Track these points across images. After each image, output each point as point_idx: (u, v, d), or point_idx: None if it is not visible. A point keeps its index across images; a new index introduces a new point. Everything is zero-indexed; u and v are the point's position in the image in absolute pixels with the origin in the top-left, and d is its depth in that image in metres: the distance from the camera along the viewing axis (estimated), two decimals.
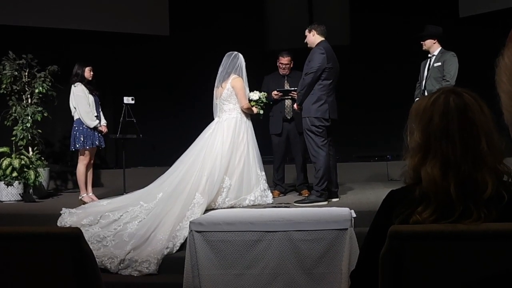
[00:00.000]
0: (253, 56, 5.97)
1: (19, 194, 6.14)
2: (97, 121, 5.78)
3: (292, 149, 5.88)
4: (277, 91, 5.69)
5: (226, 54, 5.45)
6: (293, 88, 5.60)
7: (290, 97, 5.71)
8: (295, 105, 5.46)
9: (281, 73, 5.91)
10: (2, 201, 6.09)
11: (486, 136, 1.46)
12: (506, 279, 0.64)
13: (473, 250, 1.41)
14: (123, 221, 4.64)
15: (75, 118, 5.77)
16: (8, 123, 6.50)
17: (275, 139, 5.88)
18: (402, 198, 1.53)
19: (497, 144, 1.47)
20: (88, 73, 5.82)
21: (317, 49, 5.11)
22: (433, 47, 5.34)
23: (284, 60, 5.85)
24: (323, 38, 5.19)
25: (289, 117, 5.79)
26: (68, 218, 4.82)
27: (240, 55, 5.42)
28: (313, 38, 5.20)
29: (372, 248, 1.52)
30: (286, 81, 5.88)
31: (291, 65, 5.88)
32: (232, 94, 5.32)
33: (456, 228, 1.40)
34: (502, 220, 1.41)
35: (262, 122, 5.72)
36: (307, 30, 5.27)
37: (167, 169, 5.20)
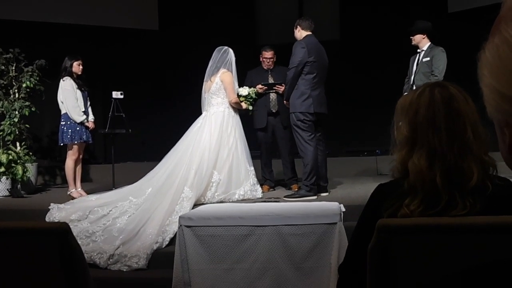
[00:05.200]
0: (243, 50, 5.95)
1: (7, 189, 6.09)
2: (84, 117, 5.74)
3: (279, 143, 5.86)
4: (262, 84, 5.69)
5: (216, 49, 5.44)
6: (277, 82, 5.61)
7: (274, 91, 5.71)
8: (284, 101, 5.47)
9: (264, 68, 5.91)
10: None
11: (471, 126, 1.49)
12: (491, 270, 0.65)
13: (460, 243, 1.42)
14: (112, 216, 4.62)
15: (62, 113, 5.72)
16: None
17: (260, 133, 5.86)
18: (391, 191, 1.54)
19: (483, 135, 1.49)
20: (76, 67, 5.76)
21: (298, 43, 5.12)
22: (422, 42, 5.37)
23: (267, 54, 5.85)
24: (309, 32, 5.19)
25: (274, 111, 5.79)
26: (57, 213, 4.79)
27: (230, 50, 5.41)
28: (299, 33, 5.21)
29: (361, 241, 1.53)
30: (269, 76, 5.88)
31: (275, 59, 5.88)
32: (221, 88, 5.31)
33: (443, 221, 1.42)
34: (486, 211, 1.43)
35: (247, 117, 5.71)
36: (294, 28, 5.28)
37: (157, 164, 5.19)
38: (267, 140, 5.85)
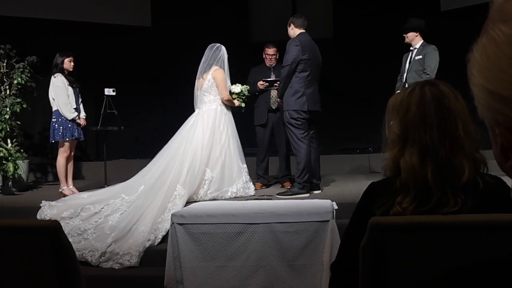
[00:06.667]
0: (236, 48, 5.95)
1: None
2: (76, 113, 5.71)
3: (276, 140, 5.89)
4: (263, 80, 5.72)
5: (209, 46, 5.44)
6: (278, 79, 5.62)
7: (275, 87, 5.72)
8: (278, 99, 5.48)
9: (267, 64, 5.94)
10: None
11: (462, 123, 1.49)
12: (483, 269, 0.65)
13: (452, 241, 1.43)
14: (104, 213, 4.61)
15: (53, 110, 5.69)
16: None
17: (259, 130, 5.88)
18: (383, 189, 1.55)
19: (474, 133, 1.50)
20: (68, 64, 5.73)
21: (292, 41, 5.13)
22: (415, 40, 5.39)
23: (270, 51, 5.88)
24: (302, 30, 5.20)
25: (274, 108, 5.81)
26: (48, 211, 4.77)
27: (223, 47, 5.40)
28: (292, 31, 5.22)
29: (353, 239, 1.53)
30: (272, 73, 5.90)
31: (277, 56, 5.90)
32: (213, 86, 5.30)
33: (436, 219, 1.42)
34: (477, 208, 1.44)
35: (246, 114, 5.72)
36: (288, 25, 5.28)
37: (149, 162, 5.18)
38: (265, 137, 5.86)
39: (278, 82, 5.57)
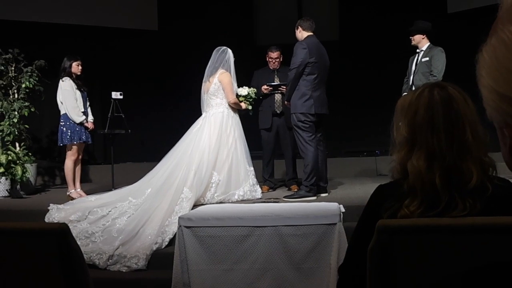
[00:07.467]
0: (242, 51, 5.96)
1: (6, 190, 6.08)
2: (84, 117, 5.73)
3: (282, 144, 5.89)
4: (267, 85, 5.72)
5: (215, 49, 5.45)
6: (283, 83, 5.63)
7: (279, 91, 5.73)
8: (285, 102, 5.49)
9: (270, 68, 5.94)
10: None
11: (471, 126, 1.48)
12: (491, 272, 0.65)
13: (459, 244, 1.42)
14: (111, 216, 4.62)
15: (61, 113, 5.72)
16: None
17: (264, 133, 5.89)
18: (391, 192, 1.54)
19: (482, 136, 1.49)
20: (75, 67, 5.76)
21: (299, 44, 5.13)
22: (422, 42, 5.38)
23: (273, 54, 5.87)
24: (310, 33, 5.19)
25: (278, 112, 5.82)
26: (56, 214, 4.79)
27: (229, 50, 5.40)
28: (300, 34, 5.22)
29: (361, 242, 1.53)
30: (276, 76, 5.90)
31: (281, 60, 5.90)
32: (220, 89, 5.30)
33: (443, 222, 1.42)
34: (486, 212, 1.43)
35: (251, 117, 5.73)
36: (295, 28, 5.29)
37: (156, 165, 5.19)
38: (270, 140, 5.86)
39: (283, 87, 5.58)
